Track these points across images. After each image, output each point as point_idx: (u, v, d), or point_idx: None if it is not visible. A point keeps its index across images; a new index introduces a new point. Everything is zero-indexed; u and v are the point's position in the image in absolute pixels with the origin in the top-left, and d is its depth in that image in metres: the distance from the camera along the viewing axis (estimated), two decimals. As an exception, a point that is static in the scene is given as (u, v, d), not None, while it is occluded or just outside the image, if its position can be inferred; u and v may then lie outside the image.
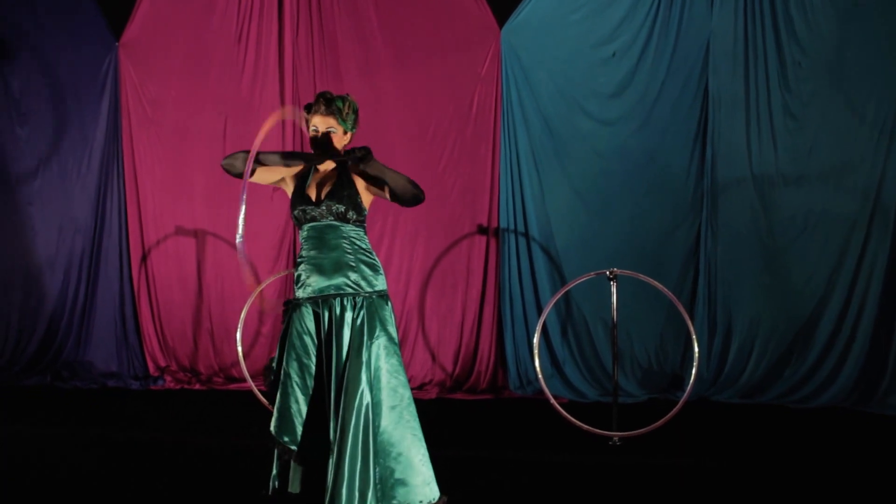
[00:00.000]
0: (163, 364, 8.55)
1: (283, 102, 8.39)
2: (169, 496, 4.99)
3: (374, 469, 4.06)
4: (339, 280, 4.18)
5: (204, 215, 8.53)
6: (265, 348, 8.38)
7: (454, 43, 8.14)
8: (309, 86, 8.30)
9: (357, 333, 4.14)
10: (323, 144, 4.24)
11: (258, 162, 4.20)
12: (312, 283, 4.20)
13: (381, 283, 4.27)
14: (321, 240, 4.22)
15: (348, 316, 4.16)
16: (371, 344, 4.15)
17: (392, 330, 4.24)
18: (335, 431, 4.07)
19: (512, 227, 8.09)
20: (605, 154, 8.00)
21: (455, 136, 8.14)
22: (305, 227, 4.26)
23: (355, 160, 4.03)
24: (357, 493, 3.98)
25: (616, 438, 6.23)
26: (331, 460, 4.06)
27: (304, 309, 4.23)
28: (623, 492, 5.20)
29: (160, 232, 8.61)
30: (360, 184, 4.29)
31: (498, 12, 8.06)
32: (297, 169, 4.41)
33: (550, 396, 6.59)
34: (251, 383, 7.20)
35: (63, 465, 5.72)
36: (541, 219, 8.06)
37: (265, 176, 4.35)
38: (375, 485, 4.05)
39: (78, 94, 8.70)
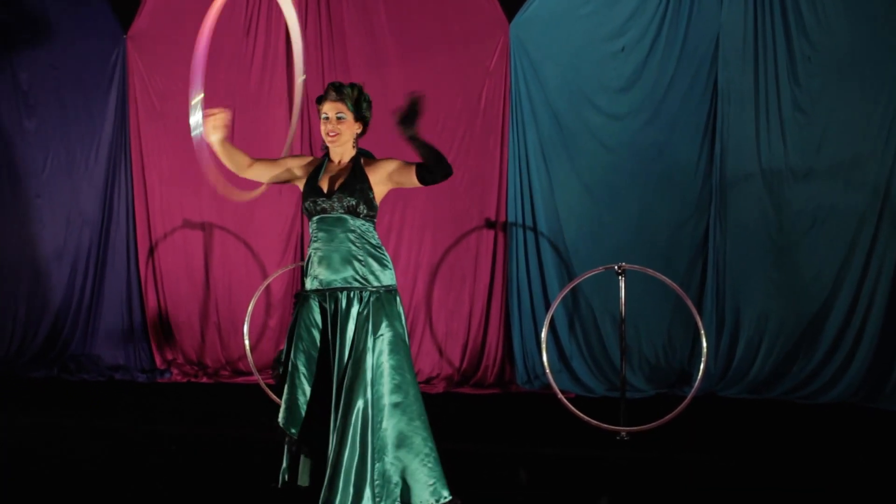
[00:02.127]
0: (170, 357, 8.55)
1: (291, 95, 8.38)
2: (177, 489, 4.98)
3: (373, 466, 3.99)
4: (347, 273, 4.14)
5: (211, 208, 8.52)
6: (272, 342, 8.39)
7: (463, 37, 8.11)
8: (317, 79, 8.27)
9: (361, 328, 4.09)
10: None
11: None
12: (320, 275, 4.16)
13: (388, 279, 4.22)
14: (330, 232, 4.17)
15: (354, 310, 4.12)
16: (376, 340, 4.09)
17: (399, 326, 4.17)
18: (335, 426, 4.03)
19: (520, 220, 8.07)
20: (614, 148, 7.97)
21: (463, 129, 8.11)
22: (315, 219, 4.22)
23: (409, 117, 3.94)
24: (352, 489, 3.92)
25: (623, 433, 6.21)
26: (329, 454, 4.02)
27: (311, 301, 4.21)
28: (630, 486, 5.19)
29: (167, 225, 8.62)
30: (375, 178, 4.25)
31: (507, 6, 8.03)
32: (304, 161, 4.39)
33: (558, 391, 6.57)
34: (258, 376, 7.21)
35: (70, 457, 5.72)
36: (549, 213, 8.05)
37: (266, 172, 4.35)
38: (373, 482, 3.98)
39: (86, 87, 8.70)
